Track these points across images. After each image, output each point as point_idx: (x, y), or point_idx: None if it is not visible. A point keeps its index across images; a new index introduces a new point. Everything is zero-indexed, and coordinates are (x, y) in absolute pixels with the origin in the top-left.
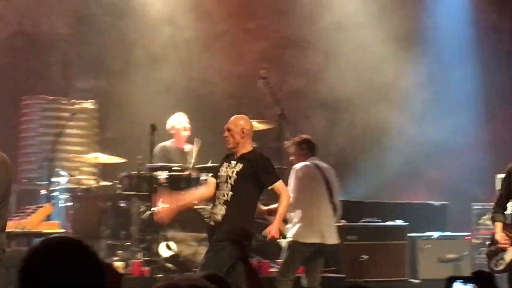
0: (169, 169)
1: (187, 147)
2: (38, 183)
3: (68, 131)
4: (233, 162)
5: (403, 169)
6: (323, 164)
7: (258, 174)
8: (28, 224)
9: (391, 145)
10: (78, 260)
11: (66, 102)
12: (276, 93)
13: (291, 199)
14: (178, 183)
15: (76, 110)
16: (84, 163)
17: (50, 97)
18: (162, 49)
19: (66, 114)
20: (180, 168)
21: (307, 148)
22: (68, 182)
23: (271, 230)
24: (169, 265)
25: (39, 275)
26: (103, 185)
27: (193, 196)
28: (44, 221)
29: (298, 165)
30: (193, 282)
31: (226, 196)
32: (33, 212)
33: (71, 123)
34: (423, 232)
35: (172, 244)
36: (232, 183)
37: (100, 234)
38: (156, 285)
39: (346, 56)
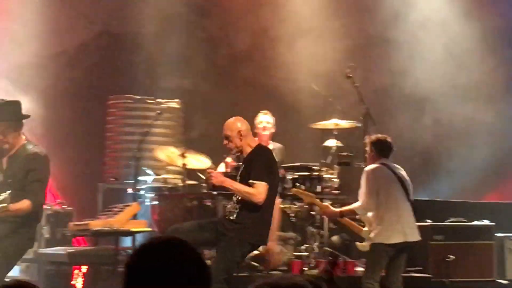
0: None
1: (272, 147)
2: (125, 181)
3: (154, 130)
4: (242, 165)
5: (489, 168)
6: (393, 164)
7: (252, 168)
8: (115, 222)
9: (477, 144)
10: (185, 261)
11: (152, 101)
12: (361, 91)
13: (364, 202)
14: None
15: (162, 110)
16: (170, 162)
17: (136, 97)
18: (246, 48)
19: (152, 114)
20: None
21: (379, 149)
22: (154, 181)
23: (216, 176)
24: (255, 263)
25: (146, 273)
26: (189, 184)
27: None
28: (131, 219)
29: (369, 168)
30: (293, 281)
31: (235, 200)
32: (121, 211)
33: (157, 122)
34: (511, 232)
35: None
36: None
37: None
38: (255, 283)
39: (431, 54)
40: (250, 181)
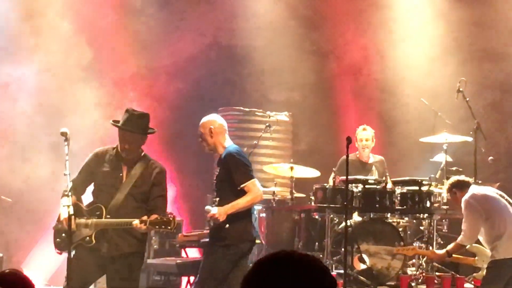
0: (364, 182)
1: (372, 160)
2: None
3: (263, 142)
4: (217, 167)
5: None
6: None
7: (232, 174)
8: None
9: None
10: (312, 277)
11: (261, 114)
12: (472, 106)
13: (468, 232)
14: (373, 196)
15: (271, 122)
16: (278, 175)
17: (246, 109)
18: (354, 61)
19: (261, 126)
20: (375, 181)
21: (461, 186)
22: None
23: (218, 211)
24: (362, 278)
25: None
26: (297, 197)
27: None
28: None
29: (466, 197)
30: None
31: (216, 201)
32: None
33: (266, 134)
34: None
35: (365, 257)
36: (215, 188)
37: (293, 245)
38: None
39: None
40: (240, 186)
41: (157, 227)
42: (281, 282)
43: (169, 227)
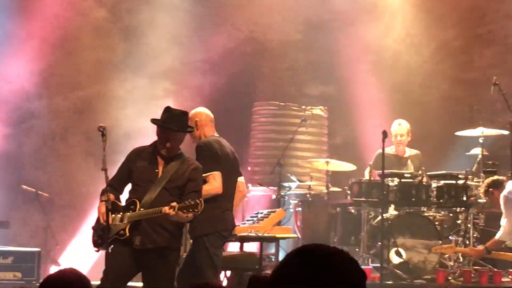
0: (400, 176)
1: (408, 153)
2: (269, 187)
3: (299, 137)
4: None
5: None
6: None
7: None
8: (261, 228)
9: None
10: (341, 269)
11: (297, 108)
12: (508, 99)
13: (507, 227)
14: (409, 190)
15: (306, 116)
16: (314, 169)
17: (281, 103)
18: (390, 55)
19: (297, 120)
20: (411, 175)
21: (497, 185)
22: (298, 187)
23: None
24: (399, 272)
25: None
26: (333, 191)
27: None
28: (276, 225)
29: (504, 192)
30: None
31: None
32: (266, 217)
33: (302, 129)
34: None
35: (402, 251)
36: None
37: (329, 240)
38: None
39: None
40: (204, 175)
41: (184, 211)
42: (310, 275)
43: (196, 210)
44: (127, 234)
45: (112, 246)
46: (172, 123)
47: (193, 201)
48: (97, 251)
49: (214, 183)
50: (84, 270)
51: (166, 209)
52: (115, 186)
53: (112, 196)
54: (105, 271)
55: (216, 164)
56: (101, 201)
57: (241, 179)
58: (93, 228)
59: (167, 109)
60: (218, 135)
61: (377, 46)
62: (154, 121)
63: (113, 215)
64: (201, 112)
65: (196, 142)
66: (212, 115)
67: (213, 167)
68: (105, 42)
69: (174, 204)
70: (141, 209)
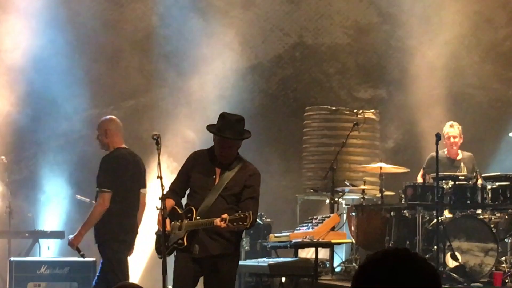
0: (455, 178)
1: (460, 156)
2: (323, 193)
3: (351, 141)
4: None
5: None
6: None
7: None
8: (315, 234)
9: None
10: (419, 276)
11: (348, 112)
12: None
13: None
14: (464, 192)
15: (358, 120)
16: (367, 173)
17: (332, 108)
18: (439, 56)
19: (349, 125)
20: (465, 177)
21: None
22: (351, 192)
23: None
24: (455, 275)
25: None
26: (386, 195)
27: None
28: (331, 231)
29: None
30: None
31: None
32: (320, 222)
33: (354, 133)
34: None
35: (457, 254)
36: None
37: (384, 244)
38: None
39: None
40: (96, 188)
41: (234, 224)
42: (394, 279)
43: (245, 223)
44: (185, 243)
45: (174, 253)
46: (227, 130)
47: (242, 214)
48: (161, 258)
49: (99, 201)
50: (134, 277)
51: (217, 221)
52: (176, 190)
53: (172, 202)
54: (174, 280)
55: (107, 179)
56: (157, 209)
57: (144, 190)
58: (156, 234)
59: (222, 116)
60: (125, 146)
61: (426, 48)
62: (209, 128)
63: (173, 223)
64: (111, 121)
65: (104, 149)
66: (121, 124)
67: (103, 182)
68: (156, 49)
69: (225, 216)
70: (197, 217)
